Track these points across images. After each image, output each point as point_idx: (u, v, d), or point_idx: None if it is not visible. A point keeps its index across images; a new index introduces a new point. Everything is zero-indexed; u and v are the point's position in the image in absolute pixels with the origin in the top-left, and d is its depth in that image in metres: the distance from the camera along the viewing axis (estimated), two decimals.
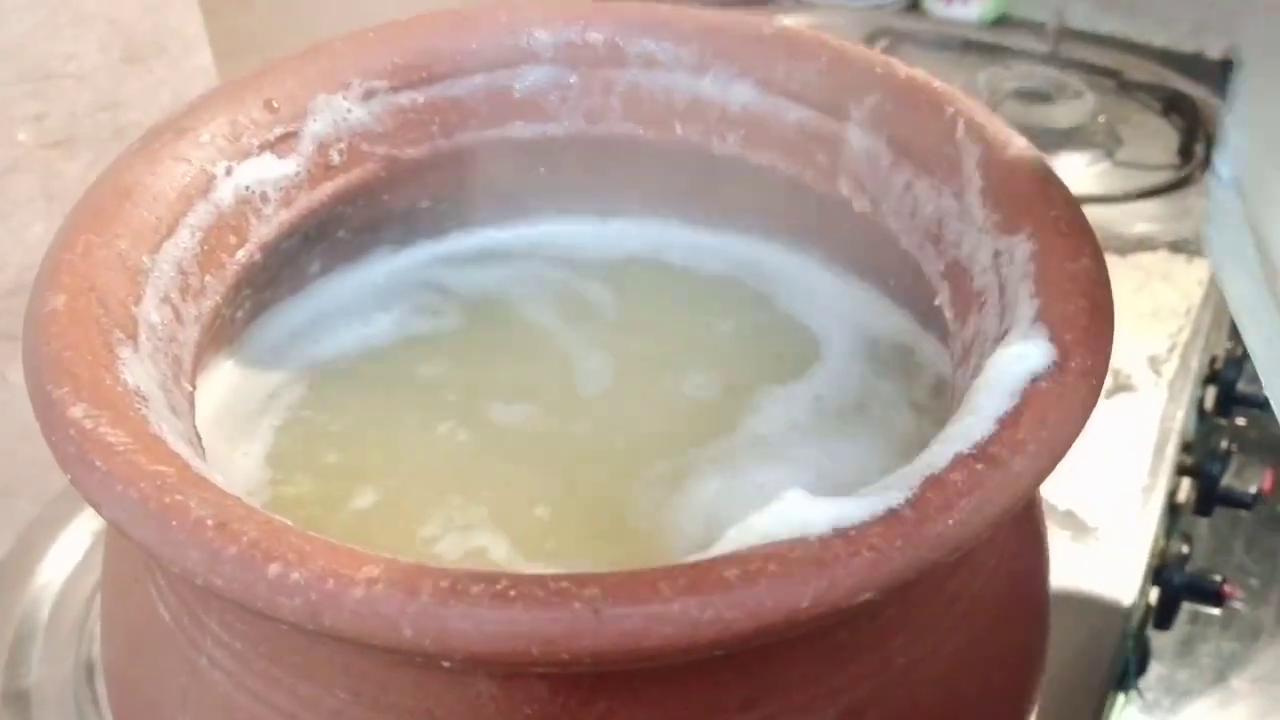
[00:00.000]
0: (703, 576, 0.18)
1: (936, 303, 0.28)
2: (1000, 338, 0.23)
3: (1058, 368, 0.21)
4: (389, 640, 0.17)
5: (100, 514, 0.20)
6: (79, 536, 0.44)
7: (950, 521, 0.19)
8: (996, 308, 0.25)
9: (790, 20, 0.80)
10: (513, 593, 0.17)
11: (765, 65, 0.31)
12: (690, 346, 0.33)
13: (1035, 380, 0.21)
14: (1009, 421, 0.20)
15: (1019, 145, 0.27)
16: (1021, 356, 0.22)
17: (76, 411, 0.20)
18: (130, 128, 0.49)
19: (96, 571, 0.43)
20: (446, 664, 0.19)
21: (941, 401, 0.30)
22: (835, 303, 0.34)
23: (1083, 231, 0.25)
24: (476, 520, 0.28)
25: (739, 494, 0.28)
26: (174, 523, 0.18)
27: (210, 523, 0.18)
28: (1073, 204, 0.26)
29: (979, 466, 0.20)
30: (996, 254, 0.26)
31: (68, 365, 0.21)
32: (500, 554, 0.27)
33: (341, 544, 0.18)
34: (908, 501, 0.19)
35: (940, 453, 0.20)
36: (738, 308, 0.34)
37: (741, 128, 0.32)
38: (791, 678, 0.21)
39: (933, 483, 0.19)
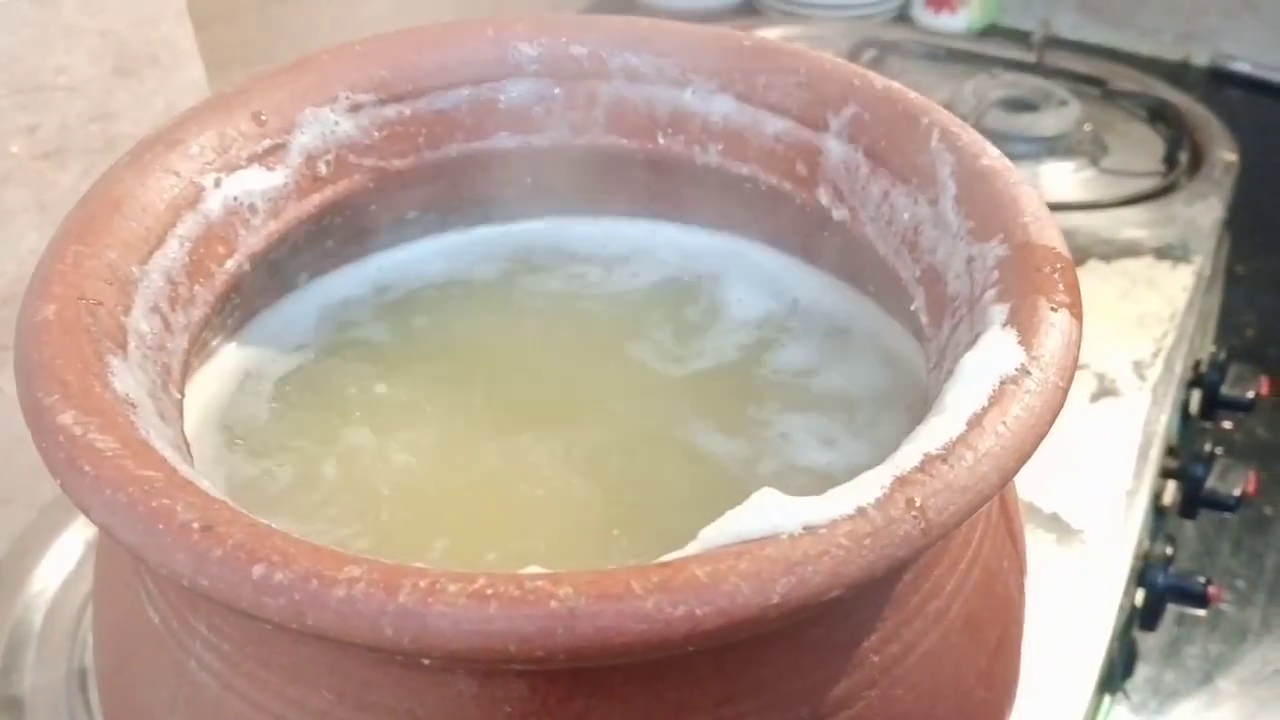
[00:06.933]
0: (674, 574, 0.18)
1: (913, 308, 0.28)
2: (972, 341, 0.24)
3: (1025, 370, 0.22)
4: (370, 639, 0.18)
5: (89, 518, 0.20)
6: (72, 544, 0.45)
7: (917, 520, 0.19)
8: (969, 312, 0.25)
9: (779, 31, 0.81)
10: (489, 591, 0.18)
11: (745, 78, 0.32)
12: None
13: (1003, 382, 0.22)
14: (976, 422, 0.21)
15: (992, 154, 0.28)
16: (990, 359, 0.22)
17: (66, 418, 0.21)
18: (122, 139, 0.49)
19: (90, 579, 0.43)
20: (427, 662, 0.19)
21: None
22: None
23: (1053, 237, 0.26)
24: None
25: None
26: (160, 526, 0.19)
27: (196, 525, 0.19)
28: (1043, 210, 0.26)
29: (946, 466, 0.20)
30: (970, 260, 0.26)
31: (58, 373, 0.22)
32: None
33: (324, 546, 0.19)
34: (876, 501, 0.19)
35: (909, 453, 0.20)
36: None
37: (722, 139, 0.33)
38: (766, 676, 0.21)
39: (901, 482, 0.20)
